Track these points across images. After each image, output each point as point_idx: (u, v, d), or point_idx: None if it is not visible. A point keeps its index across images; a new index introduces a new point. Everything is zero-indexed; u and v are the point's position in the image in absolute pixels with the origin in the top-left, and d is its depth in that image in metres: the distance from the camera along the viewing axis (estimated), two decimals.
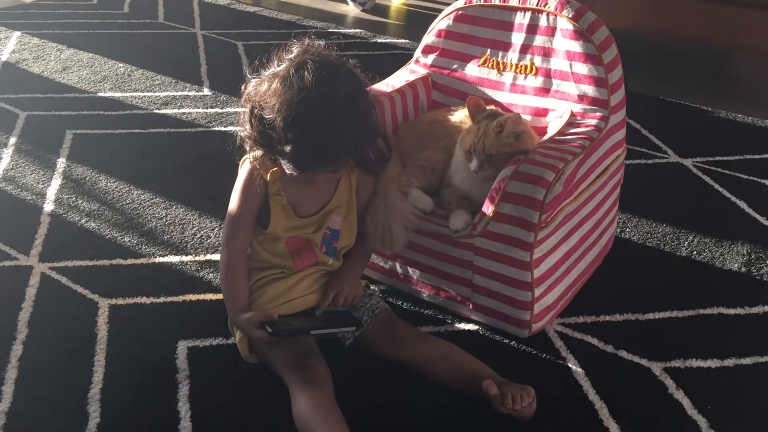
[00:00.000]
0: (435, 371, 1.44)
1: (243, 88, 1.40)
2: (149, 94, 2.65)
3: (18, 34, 3.14)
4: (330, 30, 3.31)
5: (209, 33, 3.24)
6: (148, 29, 3.27)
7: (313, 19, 3.46)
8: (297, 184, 1.44)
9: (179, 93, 2.66)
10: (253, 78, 1.39)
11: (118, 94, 2.63)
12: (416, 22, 3.44)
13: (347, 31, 3.35)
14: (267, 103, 1.33)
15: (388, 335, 1.48)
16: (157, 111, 2.53)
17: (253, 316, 1.39)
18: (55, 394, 1.41)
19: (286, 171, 1.37)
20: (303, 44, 1.38)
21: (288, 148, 1.32)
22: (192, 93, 2.67)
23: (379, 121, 1.46)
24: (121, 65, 2.86)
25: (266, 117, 1.33)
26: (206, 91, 2.69)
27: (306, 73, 1.31)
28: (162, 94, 2.65)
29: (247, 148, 1.44)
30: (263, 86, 1.35)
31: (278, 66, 1.36)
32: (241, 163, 1.48)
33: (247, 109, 1.38)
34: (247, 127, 1.39)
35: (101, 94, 2.64)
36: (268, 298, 1.46)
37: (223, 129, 2.38)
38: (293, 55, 1.36)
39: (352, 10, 3.68)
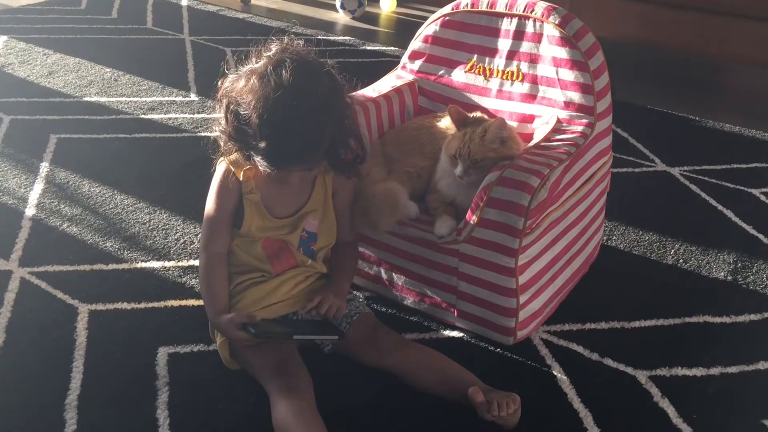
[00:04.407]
0: (418, 379, 1.42)
1: (220, 83, 1.39)
2: (136, 99, 2.63)
3: (4, 38, 3.11)
4: (319, 37, 3.30)
5: (198, 39, 3.23)
6: (136, 35, 3.25)
7: (303, 27, 3.45)
8: (271, 183, 1.43)
9: (166, 98, 2.65)
10: (231, 74, 1.38)
11: (104, 99, 2.61)
12: (406, 30, 3.44)
13: (336, 38, 3.35)
14: (243, 99, 1.32)
15: (370, 342, 1.47)
16: (143, 116, 2.51)
17: (235, 317, 1.38)
18: (32, 400, 1.39)
19: (260, 168, 1.36)
20: (282, 42, 1.37)
21: (262, 145, 1.31)
22: (179, 98, 2.65)
23: (355, 123, 1.46)
24: (108, 70, 2.85)
25: (242, 113, 1.32)
26: (193, 97, 2.67)
27: (284, 71, 1.30)
28: (149, 99, 2.63)
29: (222, 144, 1.42)
30: (240, 82, 1.34)
31: (256, 63, 1.35)
32: (216, 164, 1.46)
33: (222, 105, 1.37)
34: (222, 122, 1.38)
35: (87, 98, 2.62)
36: (249, 302, 1.44)
37: (209, 134, 2.36)
38: (272, 52, 1.35)
39: (341, 17, 3.67)
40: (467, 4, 1.74)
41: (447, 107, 1.65)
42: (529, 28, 1.67)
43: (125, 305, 1.64)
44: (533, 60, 1.68)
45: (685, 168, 2.35)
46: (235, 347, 1.43)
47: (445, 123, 1.67)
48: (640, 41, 3.05)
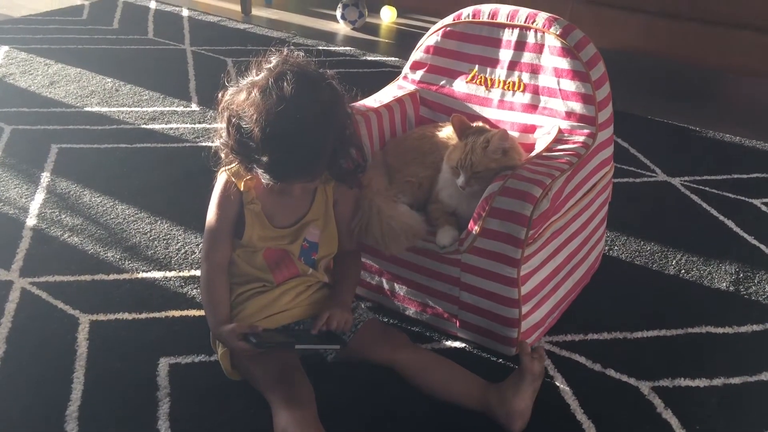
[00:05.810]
0: (427, 377, 1.43)
1: (220, 95, 1.39)
2: (136, 109, 2.63)
3: (6, 48, 3.12)
4: (320, 48, 3.31)
5: (198, 49, 3.23)
6: (137, 45, 3.26)
7: (303, 37, 3.47)
8: (272, 194, 1.43)
9: (167, 108, 2.65)
10: (231, 86, 1.38)
11: (105, 109, 2.62)
12: (406, 40, 3.45)
13: (337, 49, 3.35)
14: (245, 112, 1.32)
15: (383, 339, 1.48)
16: (144, 126, 2.51)
17: (236, 327, 1.37)
18: (33, 410, 1.38)
19: (263, 181, 1.36)
20: (282, 54, 1.37)
21: (265, 158, 1.31)
22: (180, 108, 2.66)
23: (355, 132, 1.46)
24: (109, 80, 2.85)
25: (244, 126, 1.32)
26: (194, 107, 2.68)
27: (285, 84, 1.30)
28: (149, 110, 2.63)
29: (223, 156, 1.42)
30: (241, 95, 1.34)
31: (257, 75, 1.35)
32: (217, 174, 1.46)
33: (224, 117, 1.37)
34: (224, 135, 1.38)
35: (88, 108, 2.62)
36: (250, 312, 1.44)
37: (210, 145, 2.36)
38: (272, 65, 1.35)
39: (342, 28, 3.68)
40: (469, 15, 1.75)
41: (448, 117, 1.66)
42: (531, 38, 1.68)
43: (126, 315, 1.63)
44: (534, 70, 1.68)
45: (686, 178, 2.35)
46: (237, 358, 1.43)
47: (447, 133, 1.67)
48: (640, 52, 3.06)
